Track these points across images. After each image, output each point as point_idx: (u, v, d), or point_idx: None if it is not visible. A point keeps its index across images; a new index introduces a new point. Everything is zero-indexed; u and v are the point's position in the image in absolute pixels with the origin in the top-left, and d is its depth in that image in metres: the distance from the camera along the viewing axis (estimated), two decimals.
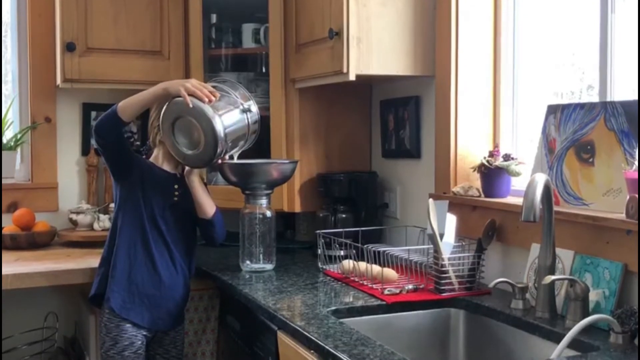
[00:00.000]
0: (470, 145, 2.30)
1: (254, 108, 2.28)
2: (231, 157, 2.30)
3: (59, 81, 2.75)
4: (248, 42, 2.81)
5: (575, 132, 1.88)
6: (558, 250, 1.81)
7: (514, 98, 2.28)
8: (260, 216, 2.39)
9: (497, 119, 2.31)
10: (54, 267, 2.40)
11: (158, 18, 2.83)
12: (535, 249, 1.90)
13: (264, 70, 2.85)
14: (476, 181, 2.25)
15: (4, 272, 2.32)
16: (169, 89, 2.14)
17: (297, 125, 2.65)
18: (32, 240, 2.74)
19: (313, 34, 2.41)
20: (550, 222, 1.78)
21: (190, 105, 2.10)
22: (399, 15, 2.31)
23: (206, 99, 2.11)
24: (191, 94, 2.11)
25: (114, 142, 2.17)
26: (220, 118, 2.13)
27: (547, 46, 2.16)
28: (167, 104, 2.15)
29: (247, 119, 2.25)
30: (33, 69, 2.93)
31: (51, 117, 2.98)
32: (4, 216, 2.85)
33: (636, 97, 1.74)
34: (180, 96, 2.11)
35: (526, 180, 1.80)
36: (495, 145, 2.27)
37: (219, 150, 2.14)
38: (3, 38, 3.03)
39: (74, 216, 2.88)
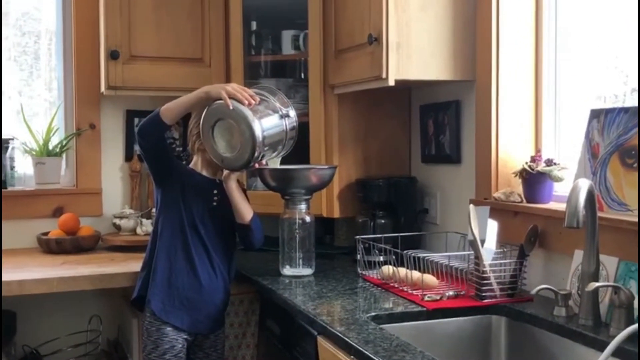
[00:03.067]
0: (511, 150, 2.27)
1: (293, 114, 2.29)
2: (267, 163, 2.32)
3: (103, 88, 2.80)
4: (287, 49, 2.83)
5: (619, 136, 1.85)
6: (602, 257, 1.78)
7: (556, 102, 2.24)
8: (300, 221, 2.39)
9: (539, 123, 2.28)
10: (98, 271, 2.44)
11: (199, 26, 2.86)
12: (578, 255, 1.87)
13: (303, 76, 2.86)
14: (518, 186, 2.22)
15: (50, 275, 2.38)
16: (211, 92, 2.17)
17: (336, 130, 2.65)
18: (76, 244, 2.80)
19: (352, 39, 2.42)
20: (594, 228, 1.75)
21: (231, 107, 2.12)
22: (439, 20, 2.30)
23: (246, 102, 2.14)
24: (232, 97, 2.14)
25: (156, 144, 2.21)
26: (259, 121, 2.15)
27: (589, 49, 2.13)
28: (207, 107, 2.18)
29: (285, 124, 2.26)
30: (78, 77, 2.99)
31: (95, 123, 3.03)
32: (49, 220, 2.91)
33: None
34: (221, 99, 2.14)
35: (569, 185, 1.77)
36: (537, 150, 2.24)
37: (256, 154, 2.16)
38: (48, 46, 3.10)
39: (117, 221, 2.93)
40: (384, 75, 2.22)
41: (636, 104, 1.89)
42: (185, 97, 2.19)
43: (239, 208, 2.27)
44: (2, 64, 2.96)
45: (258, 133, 2.13)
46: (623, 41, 1.99)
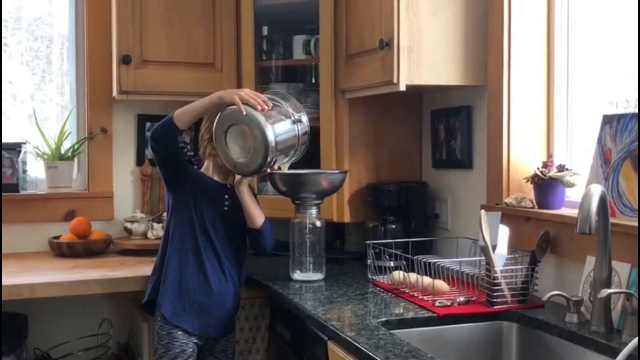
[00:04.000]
0: (523, 156, 2.27)
1: (305, 119, 2.31)
2: (279, 168, 2.32)
3: (115, 93, 2.81)
4: (298, 54, 2.83)
5: (632, 142, 1.84)
6: (614, 263, 1.77)
7: (568, 107, 2.24)
8: (310, 226, 2.40)
9: (550, 129, 2.28)
10: (109, 275, 2.45)
11: (211, 31, 2.88)
12: (590, 261, 1.86)
13: (313, 81, 2.87)
14: (529, 192, 2.21)
15: (60, 279, 2.39)
16: (224, 98, 2.18)
17: (346, 135, 2.66)
18: (88, 248, 2.81)
19: (363, 44, 2.42)
20: (606, 234, 1.74)
21: (244, 113, 2.13)
22: (450, 25, 2.30)
23: (259, 107, 2.15)
24: (245, 102, 2.15)
25: (168, 149, 2.22)
26: (272, 126, 2.16)
27: (601, 54, 2.12)
28: (220, 112, 2.19)
29: (298, 130, 2.27)
30: (90, 81, 3.01)
31: (107, 128, 3.05)
32: (61, 224, 2.93)
33: None
34: (234, 104, 2.15)
35: (581, 191, 1.76)
36: (549, 156, 2.24)
37: (269, 159, 2.17)
38: (61, 51, 3.12)
39: (128, 225, 2.94)
40: (395, 80, 2.23)
41: None
42: (198, 101, 2.20)
43: (250, 213, 2.28)
44: (2, 64, 2.97)
45: (271, 138, 2.14)
46: (634, 46, 1.98)
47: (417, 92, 2.75)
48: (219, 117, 2.19)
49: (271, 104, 2.21)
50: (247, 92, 2.18)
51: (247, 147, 2.17)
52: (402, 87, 2.24)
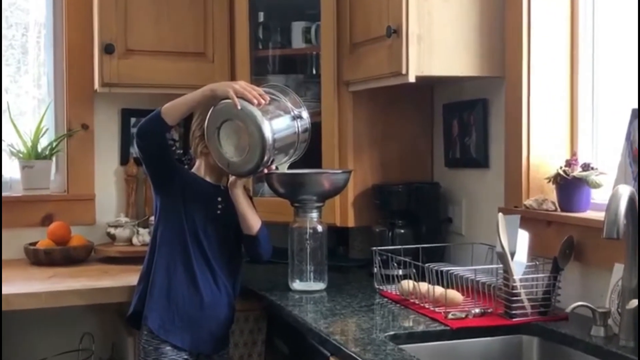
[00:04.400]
0: (544, 154, 2.27)
1: (305, 115, 2.31)
2: (277, 168, 2.32)
3: (96, 85, 2.82)
4: (298, 42, 2.84)
5: None
6: None
7: (594, 101, 2.24)
8: (311, 231, 2.40)
9: (574, 124, 2.28)
10: (91, 285, 2.46)
11: (202, 17, 2.89)
12: (618, 269, 1.86)
13: (314, 72, 2.87)
14: (551, 193, 2.21)
15: (37, 289, 2.39)
16: (217, 91, 2.18)
17: (350, 131, 2.66)
18: (67, 256, 2.81)
19: (369, 32, 2.42)
20: (636, 240, 1.74)
21: (239, 107, 2.13)
22: (464, 10, 2.30)
23: (255, 101, 2.15)
24: (240, 96, 2.15)
25: (155, 146, 2.22)
26: (270, 122, 2.16)
27: (631, 41, 2.12)
28: (213, 107, 2.19)
29: (298, 126, 2.27)
30: (69, 73, 3.02)
31: (88, 123, 3.05)
32: (38, 229, 2.93)
33: None
34: (228, 98, 2.15)
35: (608, 192, 1.76)
36: (573, 154, 2.24)
37: (265, 158, 2.17)
38: (37, 39, 3.13)
39: (112, 230, 2.95)
40: (403, 71, 2.23)
41: None
42: (189, 95, 2.20)
43: (245, 217, 2.28)
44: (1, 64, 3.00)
45: (268, 135, 2.14)
46: None
47: (428, 84, 2.75)
48: (211, 112, 2.19)
49: (268, 98, 2.21)
50: (242, 85, 2.18)
51: (242, 145, 2.17)
52: (412, 79, 2.24)
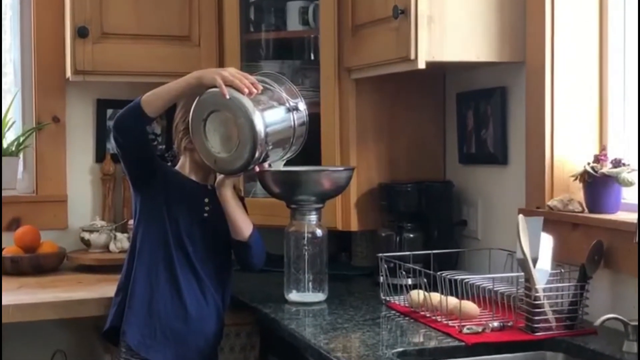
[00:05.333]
0: (570, 149, 2.27)
1: (302, 107, 2.30)
2: (270, 166, 2.32)
3: (69, 73, 2.82)
4: (294, 24, 2.84)
5: None
6: None
7: (625, 89, 2.24)
8: (309, 235, 2.40)
9: (604, 116, 2.28)
10: (63, 297, 2.46)
11: None
12: None
13: (312, 57, 2.87)
14: (578, 193, 2.22)
15: (4, 302, 2.38)
16: (203, 79, 2.18)
17: (353, 123, 2.66)
18: (36, 264, 2.81)
19: (373, 12, 2.42)
20: None
21: (227, 97, 2.13)
22: None
23: (246, 90, 2.14)
24: (229, 84, 2.15)
25: (135, 141, 2.22)
26: (262, 114, 2.16)
27: None
28: (199, 96, 2.19)
29: (293, 119, 2.27)
30: (38, 59, 3.02)
31: (60, 116, 3.06)
32: (3, 235, 2.92)
33: None
34: (215, 87, 2.15)
35: None
36: (602, 148, 2.24)
37: (257, 154, 2.17)
38: (2, 22, 3.12)
39: (86, 235, 2.95)
40: (412, 56, 2.23)
41: None
42: (172, 83, 2.20)
43: (235, 221, 2.28)
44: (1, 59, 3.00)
45: (260, 128, 2.14)
46: None
47: (439, 71, 2.76)
48: (196, 102, 2.19)
49: (261, 87, 2.20)
50: (231, 72, 2.18)
51: (230, 140, 2.17)
52: (421, 65, 2.24)
